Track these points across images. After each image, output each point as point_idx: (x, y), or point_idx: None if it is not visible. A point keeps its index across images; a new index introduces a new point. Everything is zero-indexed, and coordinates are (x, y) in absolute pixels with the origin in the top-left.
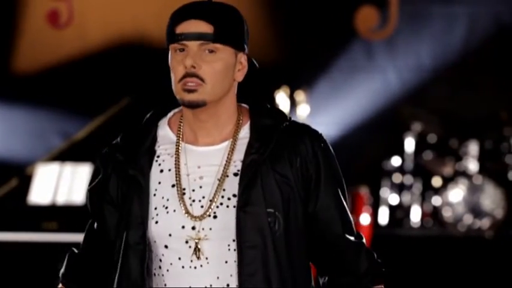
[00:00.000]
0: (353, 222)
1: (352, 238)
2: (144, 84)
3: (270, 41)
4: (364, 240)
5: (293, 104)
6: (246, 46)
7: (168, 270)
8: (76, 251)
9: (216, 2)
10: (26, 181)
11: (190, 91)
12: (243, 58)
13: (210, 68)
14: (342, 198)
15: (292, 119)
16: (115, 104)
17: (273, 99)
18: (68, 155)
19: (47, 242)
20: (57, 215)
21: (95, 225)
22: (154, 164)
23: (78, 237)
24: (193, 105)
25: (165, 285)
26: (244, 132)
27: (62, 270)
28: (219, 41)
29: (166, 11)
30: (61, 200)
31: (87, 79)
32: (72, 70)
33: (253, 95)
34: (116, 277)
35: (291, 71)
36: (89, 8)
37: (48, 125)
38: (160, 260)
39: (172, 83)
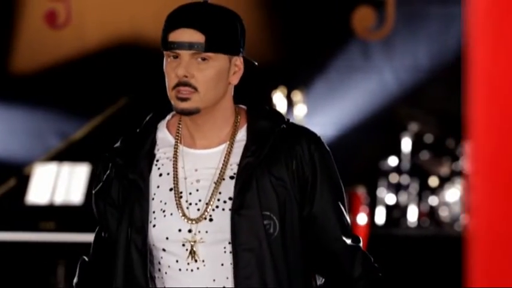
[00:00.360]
0: (350, 225)
1: (348, 241)
2: (141, 85)
3: (267, 41)
4: (361, 244)
5: (290, 104)
6: (241, 49)
7: (166, 273)
8: (86, 259)
9: (210, 5)
10: (23, 181)
11: (183, 99)
12: (238, 61)
13: (202, 76)
14: (339, 201)
15: (290, 119)
16: (113, 104)
17: (270, 99)
18: (65, 155)
19: (45, 242)
20: (55, 215)
21: (101, 230)
22: (154, 168)
23: (76, 237)
24: (186, 113)
25: (165, 287)
26: (241, 135)
27: (75, 280)
28: (211, 50)
29: (164, 12)
30: (59, 199)
31: (85, 79)
32: (70, 70)
33: (251, 96)
34: (120, 279)
35: (288, 71)
36: (87, 8)
37: (46, 125)
38: (159, 263)
39: (167, 88)
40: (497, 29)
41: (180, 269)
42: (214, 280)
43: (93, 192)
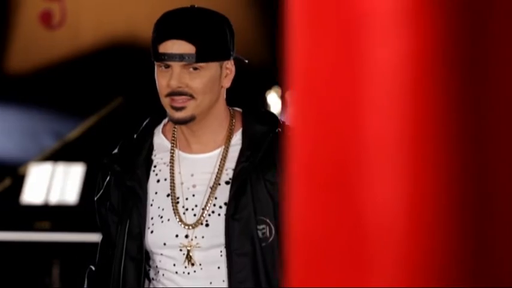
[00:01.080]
0: None
1: None
2: (136, 85)
3: (260, 41)
4: None
5: (284, 104)
6: (232, 52)
7: (163, 275)
8: (93, 268)
9: (198, 10)
10: (18, 181)
11: (178, 108)
12: (229, 64)
13: (195, 84)
14: None
15: (285, 122)
16: (107, 105)
17: (265, 100)
18: (60, 155)
19: (40, 242)
20: (50, 215)
21: (105, 238)
22: (152, 174)
23: (71, 237)
24: (182, 122)
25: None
26: (237, 139)
27: None
28: (202, 60)
29: (159, 12)
30: (54, 199)
31: (80, 79)
32: (65, 70)
33: (245, 97)
34: (114, 285)
35: (282, 72)
36: (82, 8)
37: (41, 125)
38: (157, 266)
39: (160, 95)
40: (314, 29)
41: (177, 272)
42: (211, 283)
43: (95, 199)
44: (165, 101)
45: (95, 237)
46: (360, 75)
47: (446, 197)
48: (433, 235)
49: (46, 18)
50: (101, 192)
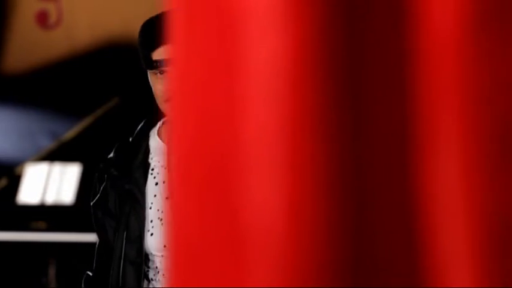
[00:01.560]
0: None
1: None
2: (133, 85)
3: None
4: None
5: None
6: None
7: (163, 275)
8: (90, 274)
9: None
10: (15, 181)
11: None
12: None
13: None
14: None
15: None
16: (104, 105)
17: None
18: (56, 155)
19: (36, 242)
20: (46, 215)
21: (101, 243)
22: (150, 177)
23: (67, 237)
24: None
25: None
26: None
27: None
28: None
29: (155, 12)
30: (50, 199)
31: (76, 79)
32: (61, 70)
33: None
34: None
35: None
36: (78, 8)
37: (37, 125)
38: (157, 267)
39: (157, 100)
40: (191, 26)
41: None
42: None
43: (91, 204)
44: (167, 106)
45: (91, 237)
46: (237, 74)
47: (326, 196)
48: (312, 235)
49: (42, 18)
50: (98, 196)
